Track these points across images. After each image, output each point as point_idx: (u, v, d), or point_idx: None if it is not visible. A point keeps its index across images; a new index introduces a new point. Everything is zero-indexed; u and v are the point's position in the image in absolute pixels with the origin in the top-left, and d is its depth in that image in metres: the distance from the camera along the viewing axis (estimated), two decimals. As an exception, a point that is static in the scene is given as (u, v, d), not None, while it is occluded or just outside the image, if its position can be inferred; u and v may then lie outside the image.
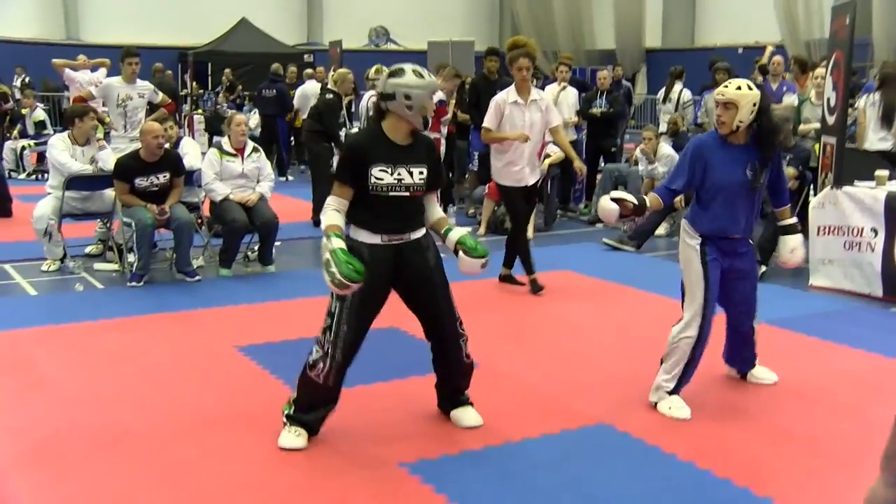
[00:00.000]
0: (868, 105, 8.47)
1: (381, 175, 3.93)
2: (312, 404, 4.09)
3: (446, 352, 4.32)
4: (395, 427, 4.33)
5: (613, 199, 4.62)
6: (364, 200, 3.97)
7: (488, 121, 6.87)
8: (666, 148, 9.74)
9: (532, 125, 6.81)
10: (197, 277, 7.23)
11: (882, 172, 7.16)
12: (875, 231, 6.74)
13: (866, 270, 6.81)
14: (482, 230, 9.57)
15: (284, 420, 4.11)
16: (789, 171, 7.78)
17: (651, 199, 4.63)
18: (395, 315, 6.18)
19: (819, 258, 7.15)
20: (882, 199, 6.72)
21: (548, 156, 9.87)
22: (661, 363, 4.65)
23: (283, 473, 3.80)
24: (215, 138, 13.89)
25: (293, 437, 4.06)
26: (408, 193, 4.00)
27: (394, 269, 4.06)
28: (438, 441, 4.15)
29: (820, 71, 8.58)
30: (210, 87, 20.11)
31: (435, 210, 4.27)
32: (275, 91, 14.14)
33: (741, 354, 5.00)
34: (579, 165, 7.62)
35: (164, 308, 6.42)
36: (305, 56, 20.87)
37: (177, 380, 4.98)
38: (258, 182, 7.64)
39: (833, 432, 4.29)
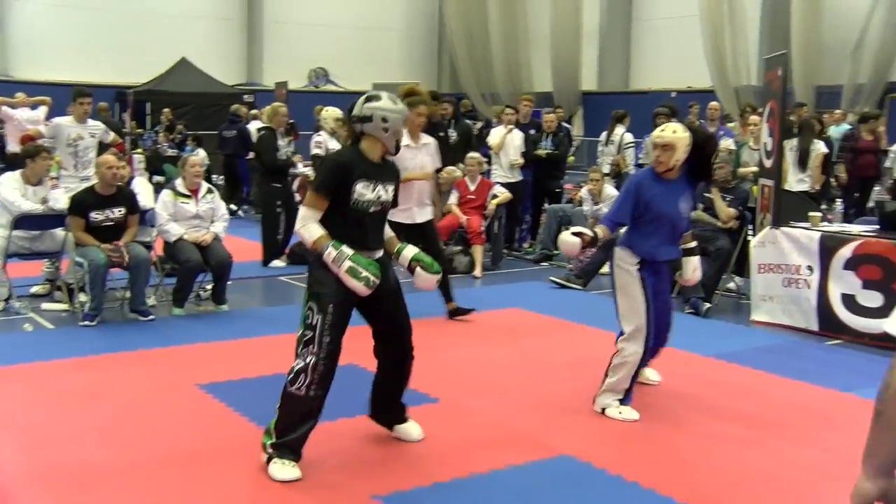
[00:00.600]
0: (788, 149, 8.93)
1: (363, 191, 4.15)
2: (295, 422, 4.13)
3: (402, 364, 4.60)
4: (365, 461, 4.41)
5: (574, 234, 5.08)
6: (337, 217, 4.15)
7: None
8: (610, 189, 10.03)
9: (423, 167, 7.24)
10: (151, 317, 7.22)
11: (815, 214, 7.53)
12: (811, 269, 7.06)
13: (803, 306, 7.12)
14: (478, 272, 9.63)
15: (270, 451, 4.17)
16: (730, 211, 8.12)
17: (601, 231, 5.15)
18: (353, 352, 6.32)
19: (760, 294, 7.45)
20: (816, 238, 7.05)
21: (495, 196, 10.11)
22: (606, 376, 5.12)
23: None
24: (155, 177, 13.87)
25: (287, 468, 4.12)
26: (380, 209, 4.28)
27: None
28: (409, 473, 4.25)
29: (755, 118, 9.01)
30: (149, 127, 19.98)
31: (387, 229, 4.51)
32: (235, 131, 14.18)
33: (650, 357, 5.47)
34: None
35: (121, 347, 6.40)
36: (245, 96, 20.90)
37: (143, 418, 4.98)
38: (212, 222, 7.69)
39: (788, 459, 4.49)
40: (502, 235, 10.45)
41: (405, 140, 7.06)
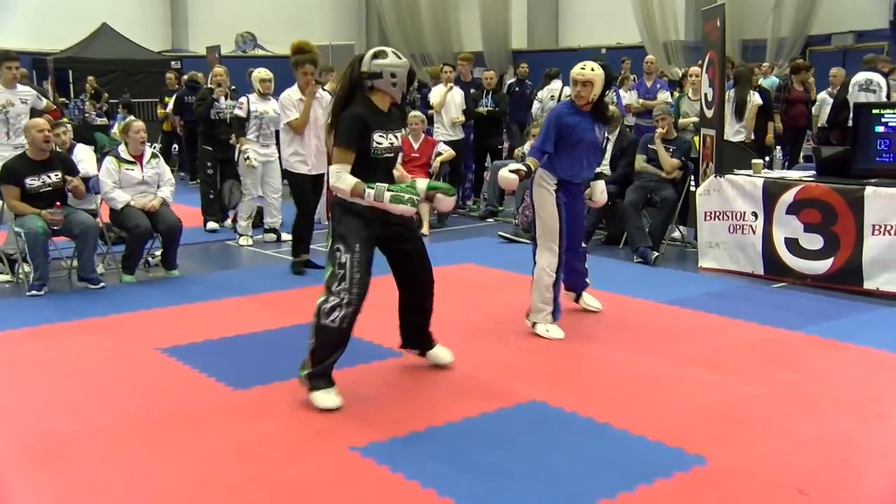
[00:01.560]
0: (726, 101, 9.11)
1: (380, 140, 4.50)
2: (329, 351, 4.55)
3: (425, 292, 5.05)
4: (339, 415, 4.43)
5: (510, 171, 5.60)
6: (357, 167, 4.46)
7: (290, 114, 7.54)
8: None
9: (316, 120, 7.51)
10: (101, 285, 7.09)
11: (758, 161, 7.72)
12: (756, 215, 7.25)
13: (749, 251, 7.32)
14: (425, 229, 9.62)
15: (308, 383, 4.54)
16: (673, 162, 8.27)
17: (531, 163, 5.68)
18: (312, 312, 6.32)
19: (706, 242, 7.63)
20: (760, 185, 7.23)
21: (439, 154, 10.12)
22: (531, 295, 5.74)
23: (240, 467, 3.84)
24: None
25: (330, 396, 4.50)
26: (393, 155, 4.64)
27: (382, 225, 4.60)
28: (383, 425, 4.28)
29: (695, 69, 9.16)
30: (73, 95, 19.40)
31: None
32: (195, 98, 13.89)
33: (577, 275, 6.24)
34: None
35: (73, 316, 6.29)
36: (173, 63, 20.42)
37: (106, 385, 4.92)
38: (158, 187, 7.55)
39: (746, 396, 4.65)
40: (447, 193, 10.45)
41: (297, 95, 7.51)
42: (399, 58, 4.57)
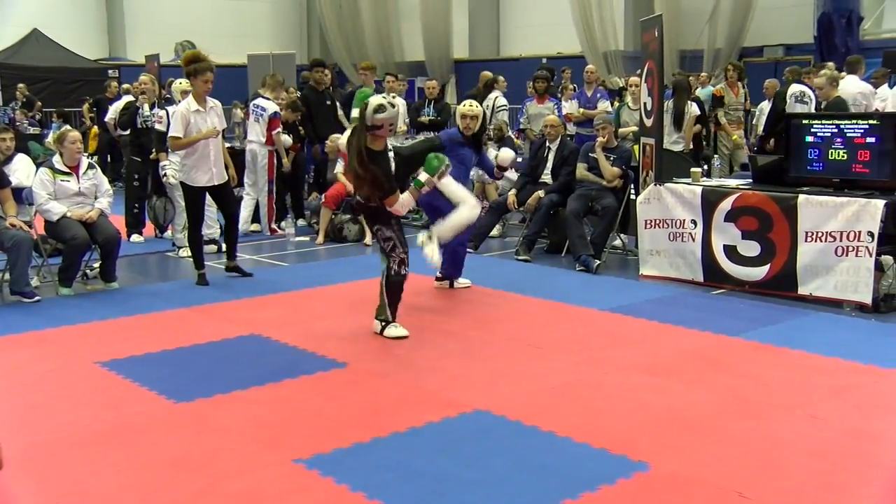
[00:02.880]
0: (665, 111, 9.26)
1: None
2: (398, 297, 6.03)
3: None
4: (281, 427, 4.40)
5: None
6: None
7: (175, 130, 7.39)
8: (492, 152, 10.16)
9: (213, 128, 7.50)
10: (36, 298, 6.93)
11: (696, 170, 7.85)
12: (695, 222, 7.37)
13: (689, 259, 7.44)
14: (320, 239, 9.66)
15: (382, 325, 5.98)
16: (614, 170, 8.37)
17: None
18: (254, 323, 6.29)
19: (647, 249, 7.72)
20: (699, 193, 7.35)
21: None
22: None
23: (182, 482, 3.78)
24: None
25: (400, 329, 5.98)
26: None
27: None
28: (327, 436, 4.25)
29: (634, 79, 9.28)
30: (3, 103, 18.94)
31: None
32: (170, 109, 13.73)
33: (455, 268, 7.31)
34: None
35: (6, 330, 6.13)
36: (110, 71, 20.10)
37: (44, 399, 4.81)
38: (96, 198, 7.42)
39: (688, 401, 4.72)
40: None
41: (194, 106, 7.44)
42: (392, 107, 5.71)
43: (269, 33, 25.35)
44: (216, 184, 7.59)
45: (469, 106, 7.26)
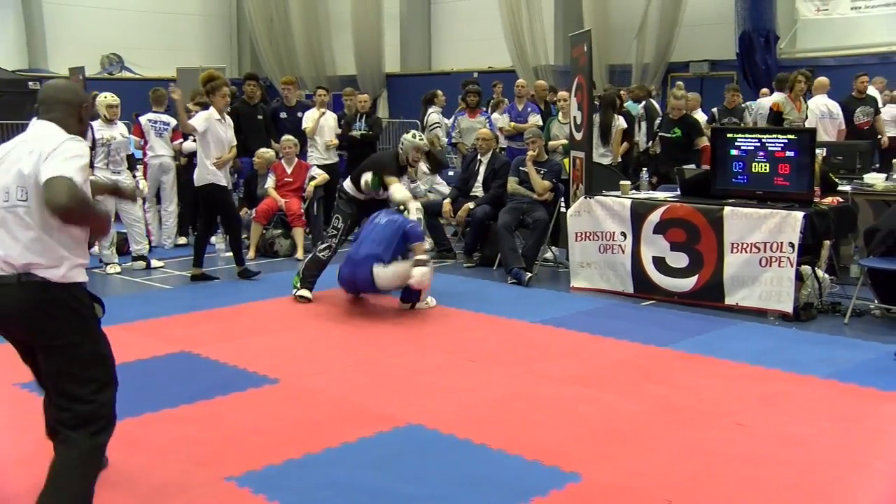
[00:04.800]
0: (594, 125, 9.41)
1: None
2: (314, 273, 7.38)
3: None
4: (212, 445, 4.33)
5: None
6: None
7: (197, 122, 8.09)
8: (425, 167, 10.20)
9: (230, 140, 8.31)
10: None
11: (625, 182, 7.98)
12: (624, 235, 7.48)
13: (619, 270, 7.54)
14: (251, 254, 9.56)
15: (298, 285, 7.35)
16: (545, 183, 8.46)
17: None
18: (185, 340, 6.19)
19: (578, 262, 7.81)
20: (628, 205, 7.47)
21: (312, 178, 10.06)
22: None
23: (111, 501, 3.70)
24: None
25: (306, 292, 7.34)
26: None
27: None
28: (259, 453, 4.20)
29: (563, 94, 9.40)
30: None
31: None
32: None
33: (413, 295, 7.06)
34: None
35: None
36: (30, 83, 19.61)
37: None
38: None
39: (619, 411, 4.78)
40: (321, 217, 10.41)
41: (216, 115, 8.19)
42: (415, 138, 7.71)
43: (199, 47, 25.02)
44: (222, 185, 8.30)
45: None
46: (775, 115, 10.10)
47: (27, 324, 3.31)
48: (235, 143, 8.47)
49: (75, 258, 3.32)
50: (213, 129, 8.08)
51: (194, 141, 9.90)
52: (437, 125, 11.74)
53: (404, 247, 6.92)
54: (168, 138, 10.14)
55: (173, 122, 10.12)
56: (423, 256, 6.88)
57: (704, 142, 9.53)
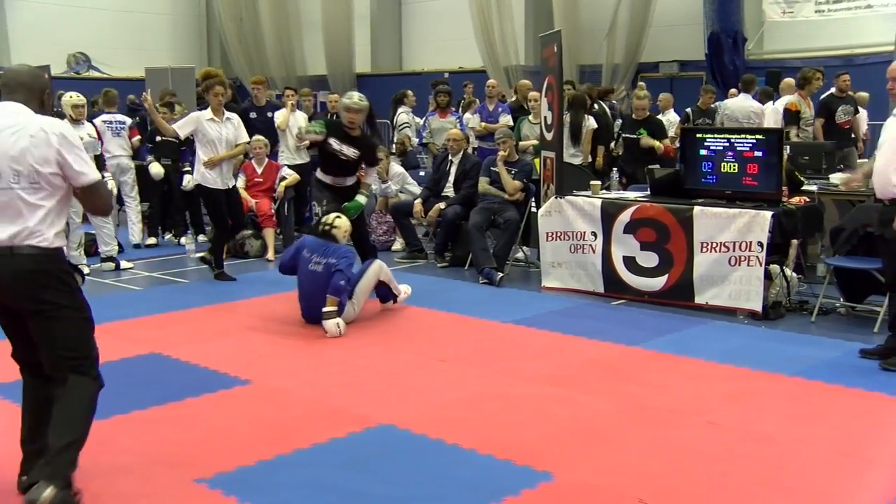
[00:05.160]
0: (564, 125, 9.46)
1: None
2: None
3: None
4: (182, 447, 4.31)
5: None
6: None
7: (179, 125, 8.28)
8: (396, 167, 10.21)
9: (225, 139, 8.19)
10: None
11: (596, 183, 8.02)
12: (595, 234, 7.51)
13: (590, 270, 7.57)
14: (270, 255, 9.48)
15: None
16: (515, 183, 8.47)
17: None
18: (155, 342, 6.15)
19: (549, 261, 7.83)
20: (598, 205, 7.50)
21: (283, 178, 10.02)
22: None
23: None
24: None
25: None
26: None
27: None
28: (230, 455, 4.18)
29: (534, 94, 9.43)
30: None
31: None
32: (139, 118, 13.24)
33: (388, 293, 7.06)
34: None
35: None
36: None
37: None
38: None
39: (591, 411, 4.80)
40: (292, 217, 10.37)
41: (208, 115, 8.17)
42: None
43: (168, 46, 24.83)
44: (229, 188, 8.28)
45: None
46: (793, 115, 10.23)
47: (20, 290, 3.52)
48: (242, 141, 8.45)
49: (59, 227, 3.61)
50: (203, 129, 8.08)
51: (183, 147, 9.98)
52: (406, 125, 11.75)
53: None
54: (126, 136, 10.13)
55: (129, 120, 10.21)
56: (330, 309, 6.34)
57: (667, 144, 9.66)
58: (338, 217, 6.79)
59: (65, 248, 4.60)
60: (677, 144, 10.28)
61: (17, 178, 3.48)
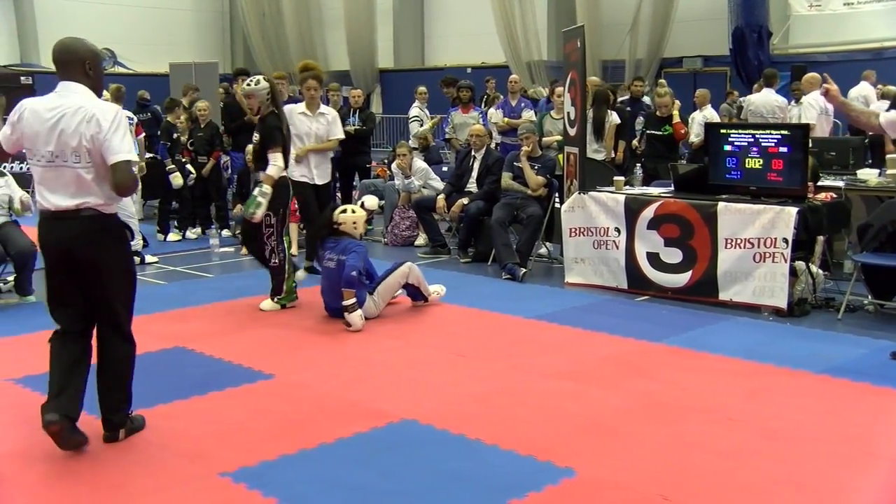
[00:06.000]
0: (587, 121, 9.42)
1: None
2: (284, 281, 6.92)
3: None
4: (206, 441, 4.33)
5: None
6: None
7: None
8: (419, 162, 10.21)
9: (315, 134, 8.03)
10: (-54, 313, 6.73)
11: (619, 178, 7.97)
12: (618, 230, 7.48)
13: (613, 266, 7.55)
14: (245, 249, 9.53)
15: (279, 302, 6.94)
16: (538, 179, 8.45)
17: None
18: (178, 335, 6.18)
19: (572, 257, 7.81)
20: (622, 201, 7.47)
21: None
22: None
23: (106, 496, 3.71)
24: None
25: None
26: None
27: None
28: (254, 449, 4.20)
29: (559, 89, 9.40)
30: None
31: None
32: (149, 114, 13.38)
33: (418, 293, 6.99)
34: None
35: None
36: (23, 78, 19.55)
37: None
38: (10, 208, 7.21)
39: (611, 407, 4.78)
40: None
41: (301, 109, 8.06)
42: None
43: (192, 42, 25.01)
44: (318, 184, 8.08)
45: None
46: None
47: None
48: (335, 136, 8.17)
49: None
50: (293, 122, 7.72)
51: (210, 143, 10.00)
52: (415, 119, 11.79)
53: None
54: (132, 133, 10.11)
55: (134, 117, 10.21)
56: (349, 302, 6.35)
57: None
58: (342, 212, 6.77)
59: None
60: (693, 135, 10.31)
61: (77, 156, 3.95)
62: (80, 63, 4.07)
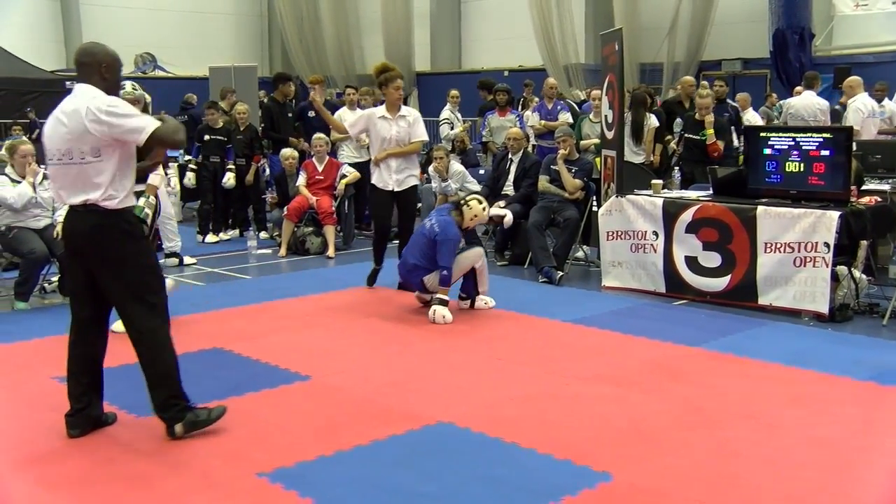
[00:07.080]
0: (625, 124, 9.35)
1: None
2: None
3: None
4: (244, 441, 4.36)
5: None
6: None
7: (351, 123, 8.12)
8: (456, 165, 10.21)
9: (395, 138, 7.62)
10: (-9, 312, 6.85)
11: (657, 182, 7.92)
12: (656, 234, 7.43)
13: (651, 270, 7.49)
14: (283, 251, 9.63)
15: None
16: (576, 182, 8.42)
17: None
18: (216, 336, 6.23)
19: (609, 261, 7.77)
20: (660, 205, 7.42)
21: (343, 176, 10.09)
22: None
23: (144, 495, 3.74)
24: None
25: None
26: None
27: None
28: (290, 450, 4.22)
29: (596, 92, 9.35)
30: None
31: None
32: (187, 116, 13.62)
33: (472, 288, 7.04)
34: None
35: (-38, 345, 6.02)
36: (67, 83, 19.83)
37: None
38: (54, 210, 7.31)
39: (648, 411, 4.74)
40: (352, 215, 10.45)
41: (381, 112, 7.69)
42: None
43: (231, 46, 25.22)
44: (397, 190, 7.68)
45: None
46: None
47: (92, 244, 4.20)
48: (417, 139, 7.75)
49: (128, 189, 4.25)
50: (374, 126, 7.61)
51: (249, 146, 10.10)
52: (446, 121, 11.80)
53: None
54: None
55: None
56: (442, 297, 6.77)
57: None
58: (475, 200, 7.08)
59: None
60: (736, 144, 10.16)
61: (82, 153, 4.10)
62: (97, 66, 4.22)
